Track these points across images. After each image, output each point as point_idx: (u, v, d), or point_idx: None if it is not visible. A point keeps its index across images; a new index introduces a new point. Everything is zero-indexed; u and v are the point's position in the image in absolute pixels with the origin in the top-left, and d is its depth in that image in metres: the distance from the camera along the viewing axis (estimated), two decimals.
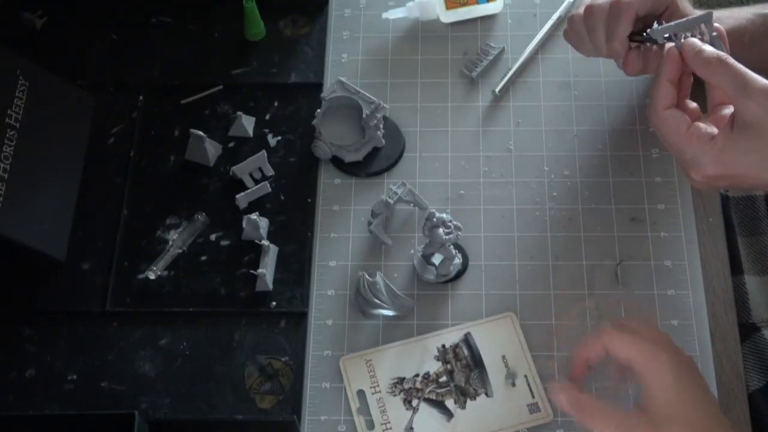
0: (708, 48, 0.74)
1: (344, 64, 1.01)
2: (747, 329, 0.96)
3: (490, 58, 1.00)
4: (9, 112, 0.89)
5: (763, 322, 0.97)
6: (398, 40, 1.02)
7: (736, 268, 0.98)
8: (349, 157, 0.94)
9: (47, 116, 0.92)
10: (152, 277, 0.89)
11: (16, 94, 0.90)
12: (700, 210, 0.91)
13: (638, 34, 0.83)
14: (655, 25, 0.81)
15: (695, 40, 0.76)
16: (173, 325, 0.87)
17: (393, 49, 1.02)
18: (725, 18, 0.89)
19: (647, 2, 0.83)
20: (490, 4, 1.02)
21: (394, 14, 1.02)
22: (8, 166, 0.87)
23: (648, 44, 0.83)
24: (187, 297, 0.88)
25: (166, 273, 0.90)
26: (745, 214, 1.03)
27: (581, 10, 0.87)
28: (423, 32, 1.03)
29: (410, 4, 1.02)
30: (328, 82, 0.99)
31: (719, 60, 0.72)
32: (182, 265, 0.90)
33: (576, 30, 0.88)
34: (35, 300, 0.89)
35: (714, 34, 0.77)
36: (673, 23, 0.79)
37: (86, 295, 0.89)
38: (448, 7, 1.01)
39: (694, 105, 0.80)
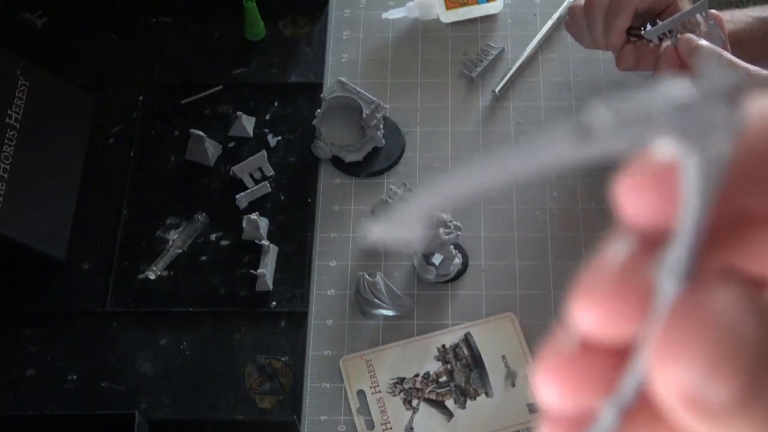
0: (703, 44, 0.74)
1: (344, 64, 1.01)
2: None
3: (490, 58, 1.00)
4: (9, 112, 0.89)
5: None
6: (398, 40, 1.02)
7: None
8: (349, 157, 0.94)
9: (47, 116, 0.92)
10: (152, 277, 0.89)
11: (16, 94, 0.90)
12: None
13: (637, 29, 0.83)
14: (648, 27, 0.81)
15: (690, 37, 0.76)
16: (173, 325, 0.87)
17: (393, 49, 1.02)
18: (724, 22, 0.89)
19: None
20: (490, 4, 1.02)
21: (394, 14, 1.02)
22: (8, 166, 0.87)
23: (645, 40, 0.83)
24: (187, 297, 0.88)
25: (166, 273, 0.90)
26: None
27: (582, 1, 0.87)
28: (423, 32, 1.03)
29: (410, 4, 1.02)
30: (328, 82, 0.99)
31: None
32: (182, 265, 0.90)
33: (575, 21, 0.88)
34: (35, 300, 0.89)
35: (711, 22, 0.77)
36: (667, 21, 0.79)
37: (86, 295, 0.89)
38: (448, 7, 1.01)
39: None
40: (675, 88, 0.18)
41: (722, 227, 0.19)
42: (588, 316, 0.20)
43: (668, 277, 0.19)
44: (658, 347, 0.18)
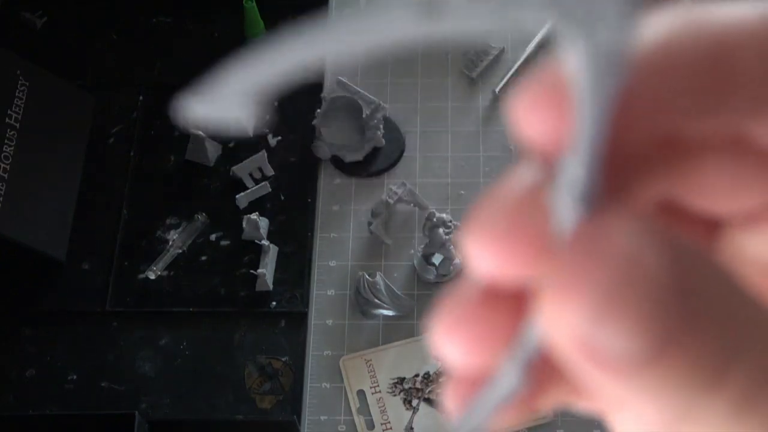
0: None
1: (344, 64, 1.01)
2: None
3: (490, 58, 1.00)
4: (9, 112, 0.89)
5: None
6: None
7: None
8: (349, 157, 0.94)
9: (47, 116, 0.92)
10: (152, 277, 0.89)
11: (16, 94, 0.90)
12: None
13: None
14: None
15: None
16: (173, 325, 0.87)
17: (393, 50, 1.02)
18: None
19: None
20: None
21: None
22: (8, 166, 0.87)
23: None
24: (187, 297, 0.88)
25: (166, 273, 0.90)
26: None
27: None
28: None
29: None
30: (328, 82, 0.99)
31: None
32: (182, 265, 0.90)
33: None
34: (35, 300, 0.89)
35: None
36: None
37: (86, 295, 0.89)
38: None
39: None
40: None
41: (655, 151, 0.16)
42: (483, 254, 0.16)
43: (565, 202, 0.15)
44: (552, 286, 0.15)
